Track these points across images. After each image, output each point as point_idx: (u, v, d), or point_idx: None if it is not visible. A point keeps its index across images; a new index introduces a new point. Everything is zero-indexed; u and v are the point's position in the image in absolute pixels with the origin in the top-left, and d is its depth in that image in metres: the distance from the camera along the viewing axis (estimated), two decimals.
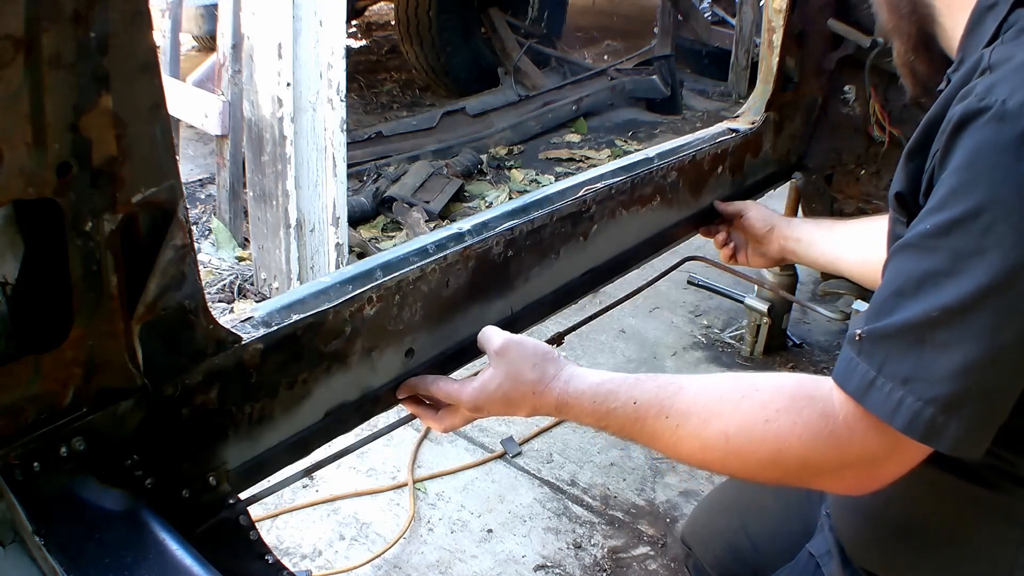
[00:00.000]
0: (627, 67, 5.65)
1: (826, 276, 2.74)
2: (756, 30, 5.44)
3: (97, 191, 0.76)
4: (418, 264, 1.20)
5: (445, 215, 3.95)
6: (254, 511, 1.04)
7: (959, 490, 0.96)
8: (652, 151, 1.74)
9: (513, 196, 4.17)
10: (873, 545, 1.08)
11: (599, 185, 1.53)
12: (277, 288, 3.12)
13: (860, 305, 2.56)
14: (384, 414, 1.25)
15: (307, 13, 2.74)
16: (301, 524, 2.22)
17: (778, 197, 2.40)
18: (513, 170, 4.57)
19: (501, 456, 2.49)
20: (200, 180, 4.21)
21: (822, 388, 0.87)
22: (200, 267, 1.48)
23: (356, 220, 3.76)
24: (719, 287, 3.07)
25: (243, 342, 0.99)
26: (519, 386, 1.07)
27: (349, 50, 4.89)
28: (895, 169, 0.91)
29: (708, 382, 0.97)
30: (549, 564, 2.14)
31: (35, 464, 0.80)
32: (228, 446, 1.02)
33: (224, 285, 3.28)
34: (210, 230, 3.65)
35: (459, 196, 4.12)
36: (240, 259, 3.49)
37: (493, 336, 1.12)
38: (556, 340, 1.41)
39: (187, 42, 5.78)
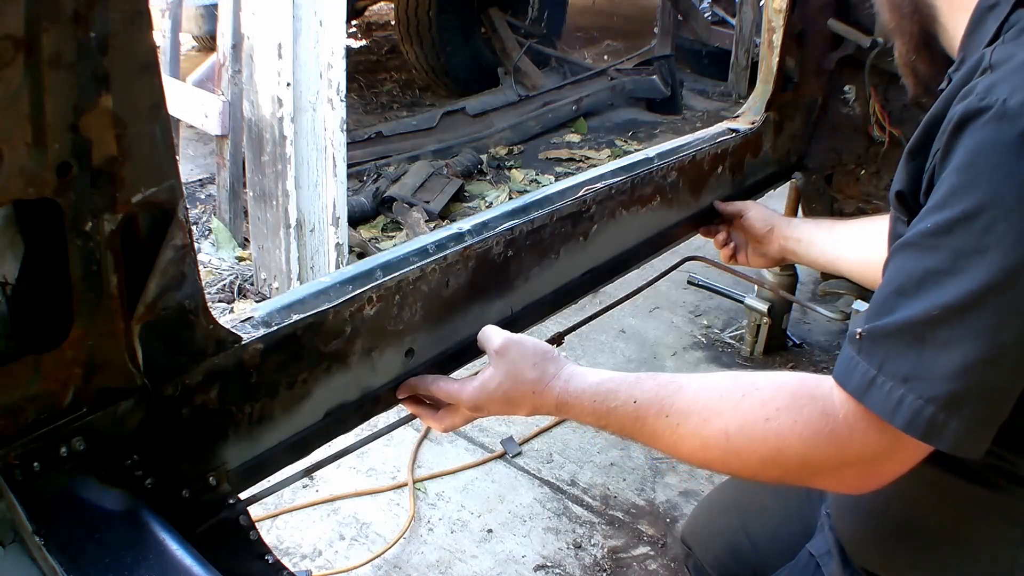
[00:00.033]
0: (627, 67, 5.65)
1: (826, 276, 2.74)
2: (756, 30, 5.44)
3: (97, 191, 0.76)
4: (418, 264, 1.20)
5: (445, 215, 3.95)
6: (254, 511, 1.04)
7: (959, 490, 0.96)
8: (652, 151, 1.74)
9: (513, 196, 4.17)
10: (873, 545, 1.08)
11: (599, 185, 1.53)
12: (277, 288, 3.12)
13: (860, 305, 2.56)
14: (384, 414, 1.25)
15: (307, 13, 2.74)
16: (301, 524, 2.22)
17: (778, 197, 2.40)
18: (513, 170, 4.57)
19: (501, 456, 2.49)
20: (200, 180, 4.21)
21: (823, 387, 0.87)
22: (200, 267, 1.48)
23: (356, 220, 3.76)
24: (719, 287, 3.07)
25: (243, 342, 0.99)
26: (519, 385, 1.07)
27: (349, 50, 4.89)
28: (895, 169, 0.91)
29: (708, 381, 0.97)
30: (549, 564, 2.14)
31: (35, 464, 0.80)
32: (228, 446, 1.02)
33: (224, 285, 3.28)
34: (210, 230, 3.65)
35: (459, 196, 4.13)
36: (240, 259, 3.49)
37: (493, 335, 1.12)
38: (556, 340, 1.41)
39: (187, 42, 5.78)
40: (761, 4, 4.97)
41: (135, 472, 0.87)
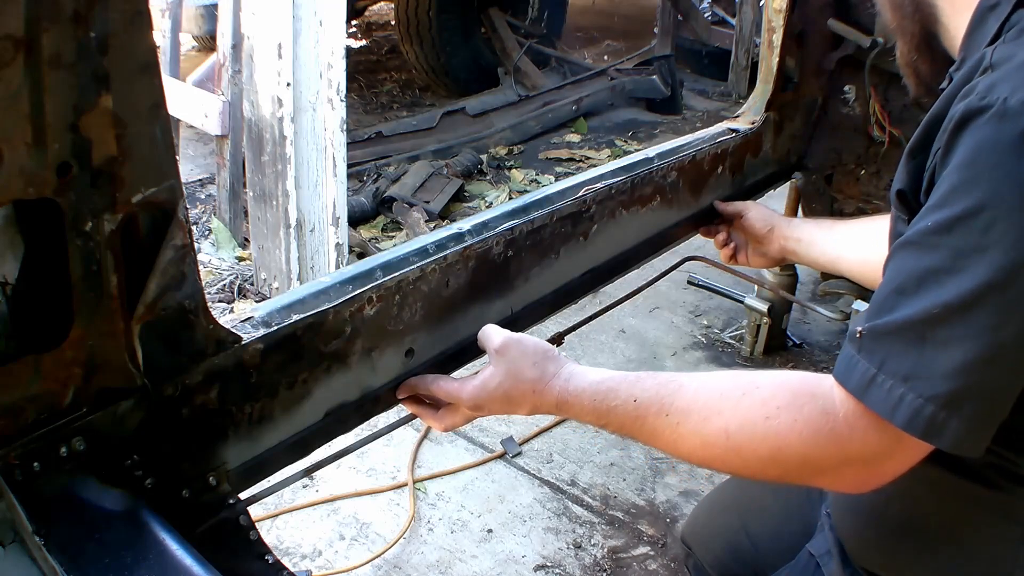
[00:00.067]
0: (627, 67, 5.65)
1: (826, 276, 2.74)
2: (756, 30, 5.44)
3: (97, 191, 0.76)
4: (418, 264, 1.20)
5: (445, 215, 3.95)
6: (254, 511, 1.04)
7: (959, 489, 0.96)
8: (652, 151, 1.74)
9: (513, 196, 4.17)
10: (873, 544, 1.08)
11: (599, 185, 1.53)
12: (277, 288, 3.12)
13: (860, 305, 2.56)
14: (384, 414, 1.25)
15: (307, 13, 2.74)
16: (301, 524, 2.22)
17: (778, 197, 2.40)
18: (513, 170, 4.57)
19: (501, 456, 2.49)
20: (200, 180, 4.21)
21: (823, 385, 0.87)
22: (200, 267, 1.48)
23: (356, 220, 3.76)
24: (719, 287, 3.07)
25: (243, 342, 0.99)
26: (519, 384, 1.07)
27: (349, 50, 4.89)
28: (895, 169, 0.91)
29: (708, 380, 0.97)
30: (549, 564, 2.14)
31: (35, 464, 0.80)
32: (228, 446, 1.02)
33: (224, 285, 3.28)
34: (210, 230, 3.65)
35: (459, 196, 4.13)
36: (240, 259, 3.49)
37: (493, 334, 1.12)
38: (556, 340, 1.41)
39: (187, 42, 5.78)
40: (761, 4, 4.97)
41: (135, 472, 0.87)
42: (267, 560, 0.95)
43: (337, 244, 3.04)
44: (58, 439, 0.82)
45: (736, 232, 1.73)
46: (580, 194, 1.49)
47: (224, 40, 3.23)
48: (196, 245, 2.63)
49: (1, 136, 0.67)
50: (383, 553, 2.13)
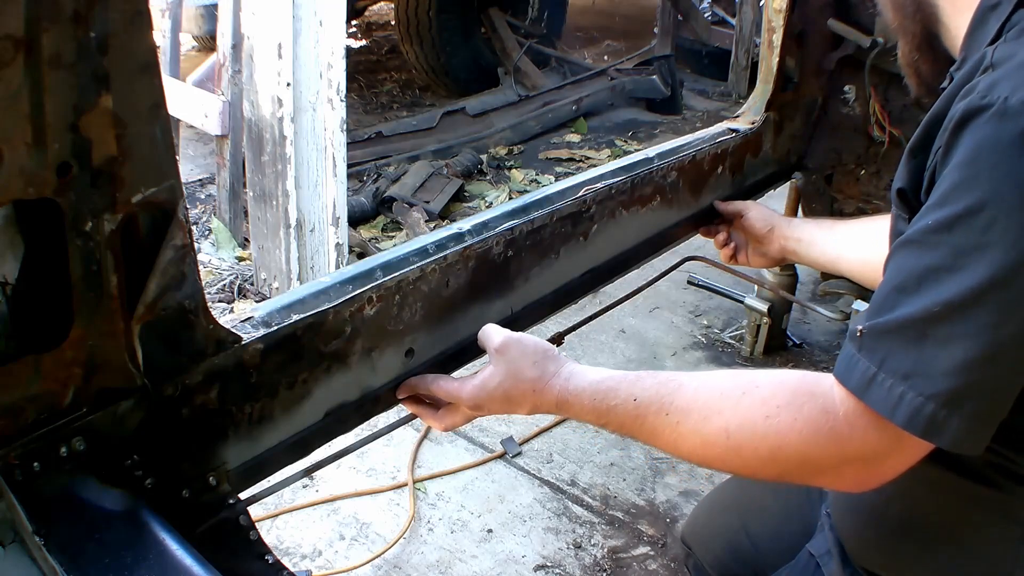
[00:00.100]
0: (627, 67, 5.65)
1: (826, 276, 2.74)
2: (756, 30, 5.44)
3: (97, 191, 0.76)
4: (418, 264, 1.20)
5: (445, 215, 3.95)
6: (254, 511, 1.04)
7: (960, 488, 0.96)
8: (652, 151, 1.74)
9: (513, 196, 4.17)
10: (873, 544, 1.08)
11: (599, 185, 1.53)
12: (277, 288, 3.12)
13: (860, 305, 2.56)
14: (384, 414, 1.25)
15: (307, 13, 2.74)
16: (301, 524, 2.22)
17: (778, 197, 2.40)
18: (513, 170, 4.57)
19: (501, 456, 2.49)
20: (200, 180, 4.21)
21: (823, 384, 0.87)
22: (200, 267, 1.48)
23: (356, 220, 3.76)
24: (719, 287, 3.07)
25: (243, 342, 0.99)
26: (519, 384, 1.07)
27: (349, 50, 4.89)
28: (895, 169, 0.91)
29: (708, 379, 0.97)
30: (549, 564, 2.14)
31: (35, 464, 0.80)
32: (228, 446, 1.02)
33: (224, 285, 3.28)
34: (210, 230, 3.65)
35: (459, 196, 4.13)
36: (240, 259, 3.49)
37: (493, 334, 1.12)
38: (556, 340, 1.41)
39: (187, 42, 5.78)
40: (761, 4, 4.97)
41: (135, 472, 0.87)
42: (267, 560, 0.95)
43: (337, 244, 3.04)
44: (58, 439, 0.82)
45: (736, 232, 1.73)
46: (580, 194, 1.49)
47: (224, 40, 3.24)
48: (196, 245, 2.63)
49: (1, 136, 0.67)
50: (383, 553, 2.13)
